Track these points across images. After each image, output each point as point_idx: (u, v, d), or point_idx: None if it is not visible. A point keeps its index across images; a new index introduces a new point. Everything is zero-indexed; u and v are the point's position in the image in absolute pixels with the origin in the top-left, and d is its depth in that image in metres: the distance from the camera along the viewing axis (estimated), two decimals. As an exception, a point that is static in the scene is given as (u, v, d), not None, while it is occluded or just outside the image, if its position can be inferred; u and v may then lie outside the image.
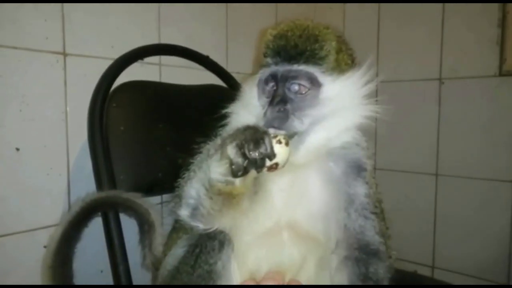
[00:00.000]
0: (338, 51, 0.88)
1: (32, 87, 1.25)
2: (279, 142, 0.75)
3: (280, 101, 0.84)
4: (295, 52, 0.85)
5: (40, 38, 1.27)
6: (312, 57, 0.85)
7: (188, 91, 1.55)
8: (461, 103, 2.19)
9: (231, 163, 0.73)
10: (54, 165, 1.32)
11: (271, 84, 0.89)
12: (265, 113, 0.85)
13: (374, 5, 2.46)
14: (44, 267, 1.07)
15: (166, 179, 1.24)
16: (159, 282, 0.97)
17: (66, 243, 1.08)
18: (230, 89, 1.59)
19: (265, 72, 0.89)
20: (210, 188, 0.79)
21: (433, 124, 2.28)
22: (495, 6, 2.05)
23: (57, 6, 1.29)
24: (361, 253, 0.86)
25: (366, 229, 0.87)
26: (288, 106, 0.84)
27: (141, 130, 1.35)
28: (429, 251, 2.34)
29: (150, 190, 1.31)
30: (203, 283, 0.84)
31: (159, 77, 1.60)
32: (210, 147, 0.85)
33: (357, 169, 0.90)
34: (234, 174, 0.74)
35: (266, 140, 0.73)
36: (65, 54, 1.32)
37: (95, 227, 1.21)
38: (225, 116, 1.00)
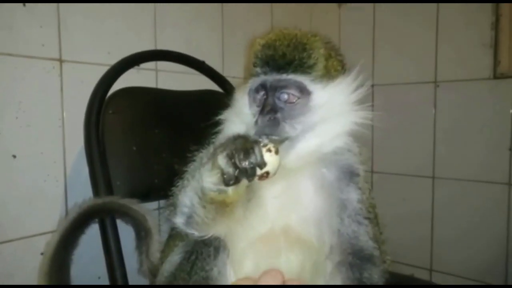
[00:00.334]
0: (327, 58, 0.89)
1: (28, 94, 1.26)
2: (269, 150, 0.75)
3: (270, 110, 0.85)
4: (284, 62, 0.85)
5: (36, 45, 1.27)
6: (301, 66, 0.85)
7: (184, 96, 1.56)
8: (457, 106, 2.21)
9: (223, 173, 0.74)
10: (51, 171, 1.32)
11: (261, 93, 0.90)
12: (256, 122, 0.86)
13: (369, 9, 2.48)
14: (41, 274, 1.07)
15: (163, 185, 1.25)
16: (157, 288, 0.98)
17: (63, 250, 1.08)
18: (226, 94, 1.60)
19: (255, 82, 0.90)
20: (203, 197, 0.80)
21: (429, 127, 2.30)
22: (488, 9, 2.07)
23: (53, 12, 1.30)
24: (355, 259, 0.86)
25: (359, 235, 0.88)
26: (279, 115, 0.85)
27: (137, 136, 1.36)
28: (427, 254, 2.35)
29: (146, 196, 1.31)
30: (200, 289, 0.85)
31: (156, 83, 1.61)
32: (203, 155, 0.86)
33: (350, 174, 0.90)
34: (226, 183, 0.75)
35: (256, 150, 0.74)
36: (61, 61, 1.33)
37: (93, 234, 1.21)
38: (219, 122, 1.01)
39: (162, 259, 1.03)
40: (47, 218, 1.30)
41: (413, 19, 2.32)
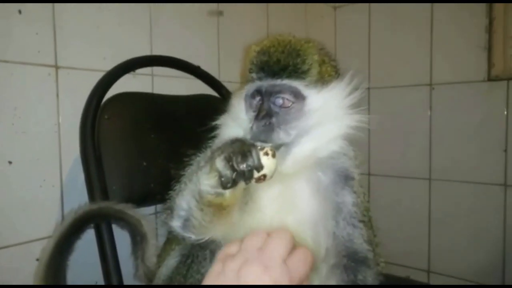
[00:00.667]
0: (321, 63, 0.90)
1: (24, 100, 1.26)
2: (266, 154, 0.76)
3: (265, 115, 0.87)
4: (278, 68, 0.87)
5: (32, 52, 1.28)
6: (295, 72, 0.87)
7: (180, 101, 1.56)
8: (452, 108, 2.22)
9: (220, 176, 0.75)
10: (47, 177, 1.32)
11: (257, 98, 0.91)
12: (251, 127, 0.87)
13: (365, 13, 2.50)
14: (36, 280, 1.07)
15: (159, 189, 1.25)
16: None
17: (58, 255, 1.08)
18: (222, 98, 1.61)
19: (250, 87, 0.92)
20: (201, 200, 0.81)
21: (425, 129, 2.31)
22: (482, 12, 2.09)
23: (48, 19, 1.31)
24: (350, 261, 0.87)
25: (354, 237, 0.89)
26: (273, 120, 0.87)
27: (133, 141, 1.36)
28: (424, 256, 2.35)
29: (143, 200, 1.32)
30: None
31: (152, 88, 1.61)
32: (201, 159, 0.88)
33: (345, 178, 0.92)
34: (224, 186, 0.76)
35: (254, 153, 0.75)
36: (57, 67, 1.34)
37: (89, 239, 1.21)
38: (216, 127, 1.02)
39: (159, 263, 1.03)
40: (43, 224, 1.30)
41: (408, 22, 2.35)
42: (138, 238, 1.13)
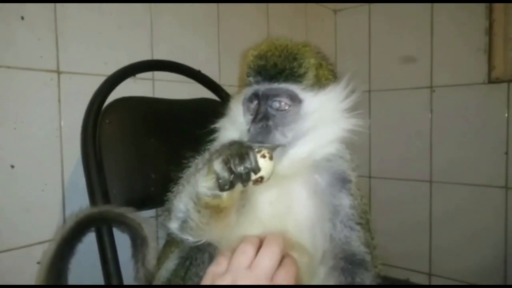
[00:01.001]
0: (318, 67, 0.91)
1: (26, 105, 1.28)
2: (263, 156, 0.78)
3: (262, 118, 0.88)
4: (275, 71, 0.88)
5: (34, 57, 1.29)
6: (291, 75, 0.88)
7: (180, 105, 1.58)
8: (453, 111, 2.23)
9: (218, 178, 0.76)
10: (49, 181, 1.34)
11: (255, 102, 0.92)
12: (249, 129, 0.88)
13: (365, 16, 2.51)
14: (37, 283, 1.08)
15: (159, 192, 1.26)
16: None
17: (59, 259, 1.09)
18: (222, 102, 1.62)
19: (248, 91, 0.94)
20: (198, 202, 0.82)
21: (426, 132, 2.31)
22: (482, 14, 2.09)
23: (50, 25, 1.32)
24: (347, 263, 0.88)
25: (351, 240, 0.89)
26: (270, 123, 0.88)
27: (133, 145, 1.37)
28: (425, 258, 2.35)
29: (143, 204, 1.33)
30: (193, 295, 0.86)
31: (153, 92, 1.62)
32: (199, 161, 0.89)
33: (342, 181, 0.92)
34: (221, 188, 0.77)
35: (251, 155, 0.76)
36: (59, 72, 1.35)
37: (90, 242, 1.22)
38: (215, 130, 1.03)
39: (159, 266, 1.04)
40: (45, 227, 1.31)
41: (408, 25, 2.35)
42: (138, 241, 1.13)
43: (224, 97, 1.64)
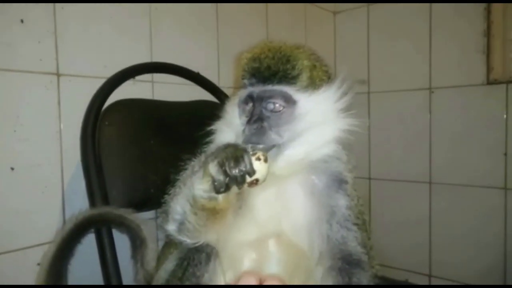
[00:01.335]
0: (312, 68, 0.92)
1: (26, 108, 1.29)
2: (258, 159, 0.78)
3: (257, 120, 0.89)
4: (269, 73, 0.89)
5: (34, 60, 1.30)
6: (285, 77, 0.89)
7: (179, 107, 1.59)
8: (452, 112, 2.23)
9: (214, 180, 0.77)
10: (49, 183, 1.34)
11: (250, 104, 0.93)
12: (243, 131, 0.89)
13: (364, 18, 2.52)
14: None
15: (158, 194, 1.26)
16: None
17: (59, 260, 1.10)
18: (221, 104, 1.63)
19: (243, 93, 0.95)
20: (195, 204, 0.83)
21: (425, 133, 2.32)
22: (480, 16, 2.10)
23: (50, 28, 1.33)
24: (344, 264, 0.88)
25: (348, 240, 0.90)
26: (265, 124, 0.89)
27: (133, 146, 1.38)
28: (425, 260, 2.35)
29: (142, 205, 1.33)
30: (191, 296, 0.87)
31: (152, 94, 1.63)
32: (195, 164, 0.89)
33: (339, 182, 0.93)
34: (217, 191, 0.78)
35: (246, 158, 0.77)
36: (58, 75, 1.36)
37: (89, 243, 1.23)
38: (212, 132, 1.04)
39: (158, 267, 1.05)
40: (45, 230, 1.32)
41: (406, 27, 2.36)
42: (138, 243, 1.14)
43: (223, 99, 1.64)
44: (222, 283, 0.90)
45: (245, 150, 0.78)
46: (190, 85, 1.69)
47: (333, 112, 0.92)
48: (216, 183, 0.76)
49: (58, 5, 1.35)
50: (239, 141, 0.88)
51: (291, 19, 2.35)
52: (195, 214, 0.83)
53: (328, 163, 0.93)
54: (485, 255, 2.13)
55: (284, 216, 0.92)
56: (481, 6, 2.10)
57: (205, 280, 0.87)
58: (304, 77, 0.90)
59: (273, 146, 0.87)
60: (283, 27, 2.26)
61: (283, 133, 0.89)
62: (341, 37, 2.65)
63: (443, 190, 2.27)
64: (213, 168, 0.77)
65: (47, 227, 1.33)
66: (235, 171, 0.75)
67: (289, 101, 0.90)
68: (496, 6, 2.07)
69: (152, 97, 1.63)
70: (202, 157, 0.86)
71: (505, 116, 2.06)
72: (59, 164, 1.37)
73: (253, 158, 0.78)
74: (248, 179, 0.77)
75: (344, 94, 0.93)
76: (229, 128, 0.98)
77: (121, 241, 1.23)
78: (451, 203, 2.24)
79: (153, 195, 1.35)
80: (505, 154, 2.06)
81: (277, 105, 0.90)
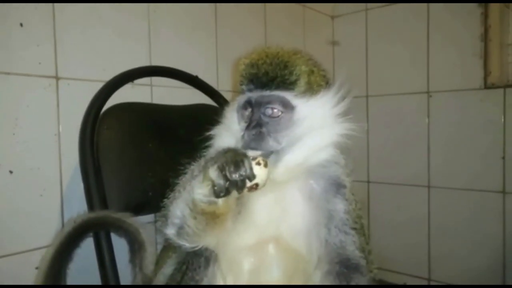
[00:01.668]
0: (309, 73, 0.92)
1: (25, 111, 1.29)
2: (258, 163, 0.79)
3: (256, 125, 0.89)
4: (267, 79, 0.90)
5: (33, 63, 1.30)
6: (283, 83, 0.89)
7: (177, 111, 1.59)
8: (450, 116, 2.24)
9: (214, 185, 0.77)
10: (47, 186, 1.34)
11: (249, 109, 0.94)
12: (242, 136, 0.90)
13: (362, 22, 2.53)
14: (35, 288, 1.09)
15: (157, 197, 1.27)
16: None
17: (57, 264, 1.09)
18: (220, 108, 1.63)
19: (241, 99, 0.95)
20: (194, 208, 0.83)
21: (423, 137, 2.32)
22: (477, 21, 2.12)
23: (49, 31, 1.34)
24: (342, 268, 0.88)
25: (346, 244, 0.90)
26: (264, 129, 0.89)
27: (131, 150, 1.38)
28: (424, 263, 2.35)
29: (141, 209, 1.33)
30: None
31: (151, 98, 1.64)
32: (195, 168, 0.89)
33: (336, 186, 0.93)
34: (217, 195, 0.78)
35: (246, 162, 0.77)
36: (57, 78, 1.36)
37: (88, 247, 1.23)
38: (211, 137, 1.04)
39: (156, 271, 1.05)
40: (44, 233, 1.31)
41: (405, 31, 2.37)
42: (136, 246, 1.14)
43: (222, 103, 1.65)
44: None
45: (245, 155, 0.79)
46: (189, 89, 1.69)
47: (331, 117, 0.93)
48: (216, 188, 0.77)
49: (57, 9, 1.35)
50: (238, 145, 0.88)
51: (290, 23, 2.35)
52: (195, 218, 0.83)
53: (326, 167, 0.94)
54: (484, 258, 2.14)
55: (283, 221, 0.93)
56: (478, 10, 2.12)
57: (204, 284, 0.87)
58: (302, 83, 0.90)
59: (272, 152, 0.88)
60: (281, 31, 2.27)
61: (281, 138, 0.89)
62: (339, 41, 2.66)
63: (441, 193, 2.27)
64: (213, 172, 0.77)
65: (46, 231, 1.33)
66: (235, 176, 0.76)
67: (287, 107, 0.90)
68: (493, 11, 2.09)
69: (151, 101, 1.63)
70: (202, 162, 0.86)
71: (502, 120, 2.07)
72: (58, 167, 1.37)
73: (253, 163, 0.78)
74: (248, 183, 0.78)
75: (342, 98, 0.93)
76: (228, 133, 0.98)
77: (120, 245, 1.22)
78: (450, 206, 2.24)
79: (151, 198, 1.35)
80: (503, 158, 2.07)
81: (275, 110, 0.90)
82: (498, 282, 2.10)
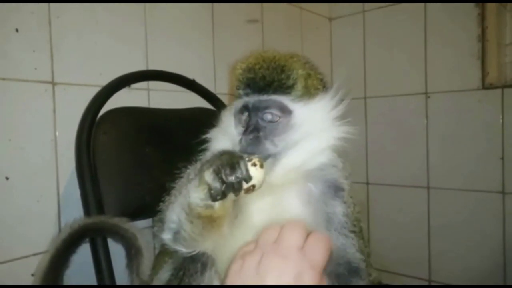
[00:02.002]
0: (306, 77, 0.92)
1: (21, 117, 1.28)
2: (254, 165, 0.78)
3: (253, 130, 0.89)
4: (264, 84, 0.89)
5: (29, 69, 1.30)
6: (280, 87, 0.89)
7: (175, 115, 1.58)
8: (448, 116, 2.24)
9: (210, 188, 0.77)
10: (44, 192, 1.33)
11: (246, 114, 0.93)
12: (240, 141, 0.89)
13: (359, 24, 2.53)
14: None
15: (154, 202, 1.26)
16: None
17: (53, 271, 1.08)
18: (217, 111, 1.63)
19: (238, 103, 0.95)
20: (190, 212, 0.82)
21: (422, 138, 2.32)
22: (474, 22, 2.12)
23: (45, 37, 1.33)
24: (343, 270, 0.88)
25: (346, 247, 0.89)
26: (261, 134, 0.89)
27: (128, 155, 1.37)
28: (425, 265, 2.34)
29: (138, 214, 1.33)
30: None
31: (148, 102, 1.63)
32: (190, 172, 0.89)
33: (335, 189, 0.92)
34: (213, 198, 0.77)
35: (242, 164, 0.77)
36: (53, 83, 1.36)
37: (84, 253, 1.22)
38: (208, 140, 1.04)
39: (152, 276, 1.04)
40: (40, 239, 1.31)
41: (402, 32, 2.37)
42: (133, 252, 1.13)
43: (219, 106, 1.65)
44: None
45: (241, 157, 0.78)
46: (186, 92, 1.69)
47: (329, 121, 0.93)
48: (212, 191, 0.76)
49: (53, 14, 1.34)
50: (236, 150, 0.88)
51: (287, 25, 2.35)
52: (191, 222, 0.82)
53: (324, 170, 0.93)
54: (484, 259, 2.13)
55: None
56: (475, 11, 2.12)
57: (202, 290, 0.86)
58: (299, 87, 0.90)
59: (269, 156, 0.87)
60: (278, 33, 2.27)
61: (278, 142, 0.89)
62: (337, 43, 2.66)
63: (441, 194, 2.27)
64: (209, 175, 0.76)
65: (43, 236, 1.32)
66: (232, 178, 0.75)
67: (285, 111, 0.90)
68: (490, 11, 2.09)
69: (148, 105, 1.62)
70: (198, 165, 0.86)
71: (501, 120, 2.07)
72: (55, 173, 1.36)
73: (249, 164, 0.78)
74: (245, 185, 0.77)
75: (340, 102, 0.93)
76: (225, 137, 0.98)
77: (117, 250, 1.21)
78: (449, 207, 2.24)
79: (148, 203, 1.34)
80: (502, 158, 2.07)
81: (272, 115, 0.90)
82: (498, 282, 2.09)
